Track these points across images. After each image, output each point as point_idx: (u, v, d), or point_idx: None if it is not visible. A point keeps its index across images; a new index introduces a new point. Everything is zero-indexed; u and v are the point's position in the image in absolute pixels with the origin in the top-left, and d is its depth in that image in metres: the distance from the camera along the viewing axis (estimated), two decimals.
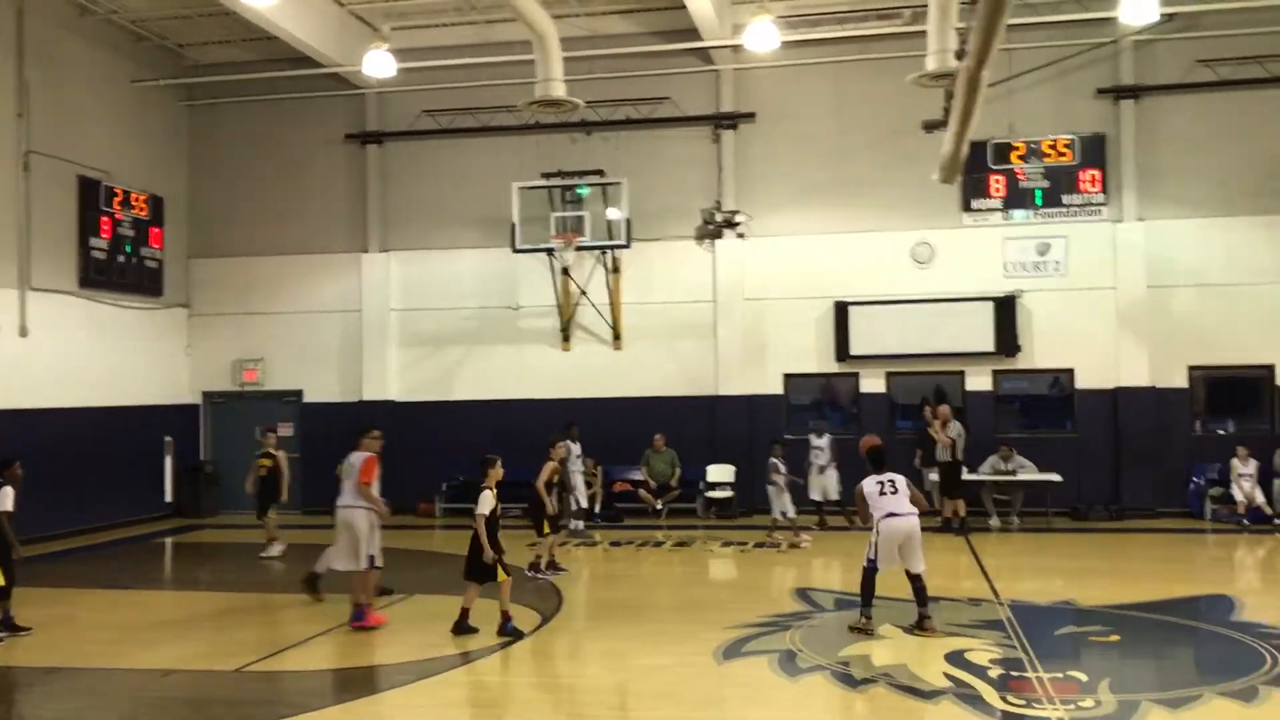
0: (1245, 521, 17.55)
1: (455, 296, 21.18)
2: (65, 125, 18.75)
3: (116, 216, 19.57)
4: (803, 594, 12.57)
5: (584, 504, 17.72)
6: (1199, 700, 8.23)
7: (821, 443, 17.89)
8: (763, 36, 16.39)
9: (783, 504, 16.40)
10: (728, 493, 19.52)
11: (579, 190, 19.52)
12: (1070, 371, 19.47)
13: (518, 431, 18.47)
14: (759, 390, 20.10)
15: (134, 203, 19.98)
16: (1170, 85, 19.02)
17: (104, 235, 19.28)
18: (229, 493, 20.45)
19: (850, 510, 17.26)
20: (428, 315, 21.35)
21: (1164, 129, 19.15)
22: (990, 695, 8.40)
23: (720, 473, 19.74)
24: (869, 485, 10.75)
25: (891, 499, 10.64)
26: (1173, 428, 19.02)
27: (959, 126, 13.07)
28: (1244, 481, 17.80)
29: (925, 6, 13.81)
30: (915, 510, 10.65)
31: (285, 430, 21.37)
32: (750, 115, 20.32)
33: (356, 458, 11.30)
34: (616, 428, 19.49)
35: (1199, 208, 19.01)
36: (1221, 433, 19.21)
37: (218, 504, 21.13)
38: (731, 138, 20.36)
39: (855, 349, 19.65)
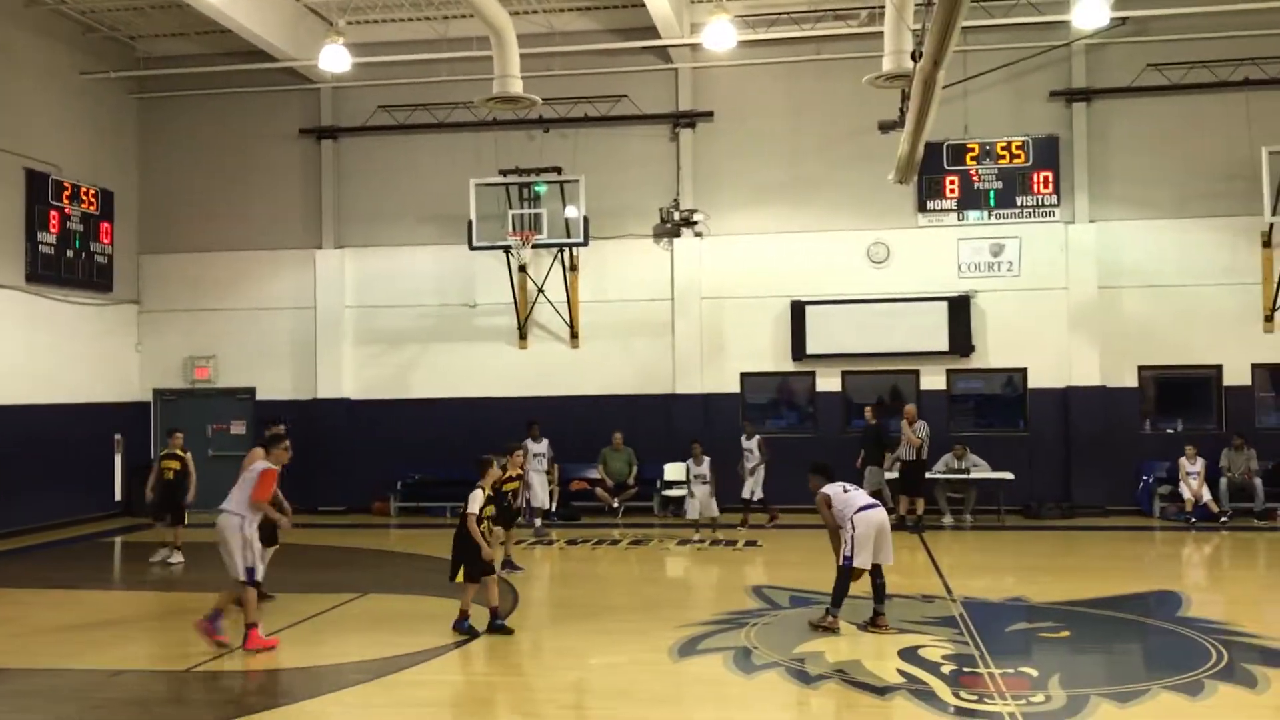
0: (1193, 519, 17.84)
1: (411, 294, 21.04)
2: (12, 117, 18.41)
3: (65, 211, 19.25)
4: (758, 591, 12.61)
5: (544, 504, 17.60)
6: (1147, 694, 8.35)
7: (750, 444, 17.69)
8: (720, 35, 16.41)
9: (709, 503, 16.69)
10: (684, 491, 19.50)
11: (536, 188, 19.46)
12: (1023, 371, 19.70)
13: (474, 430, 18.38)
14: (716, 389, 20.14)
15: (83, 197, 19.66)
16: (1121, 88, 19.30)
17: (52, 230, 18.95)
18: None
19: (775, 509, 17.42)
20: (383, 312, 21.18)
21: (1115, 131, 19.43)
22: (943, 691, 8.46)
23: (677, 471, 19.67)
24: (831, 490, 10.75)
25: (857, 494, 10.78)
26: (1122, 427, 19.29)
27: (914, 127, 13.18)
28: (1191, 480, 18.08)
29: (882, 8, 13.94)
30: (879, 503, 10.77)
31: (238, 428, 21.21)
32: (708, 114, 20.36)
33: (256, 468, 10.10)
34: (573, 426, 19.43)
35: (1149, 209, 19.29)
36: (1170, 432, 19.52)
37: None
38: (690, 136, 20.39)
39: (811, 348, 19.74)
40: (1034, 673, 9.00)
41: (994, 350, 19.60)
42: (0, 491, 17.01)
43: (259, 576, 10.07)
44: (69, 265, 19.41)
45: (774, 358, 20.14)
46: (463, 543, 10.44)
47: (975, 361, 19.62)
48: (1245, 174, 18.38)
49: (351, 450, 20.59)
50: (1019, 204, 19.24)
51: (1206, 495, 17.96)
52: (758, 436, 17.72)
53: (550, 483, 18.48)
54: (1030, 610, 11.71)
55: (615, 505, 19.18)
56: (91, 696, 8.84)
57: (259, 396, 21.37)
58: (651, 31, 19.04)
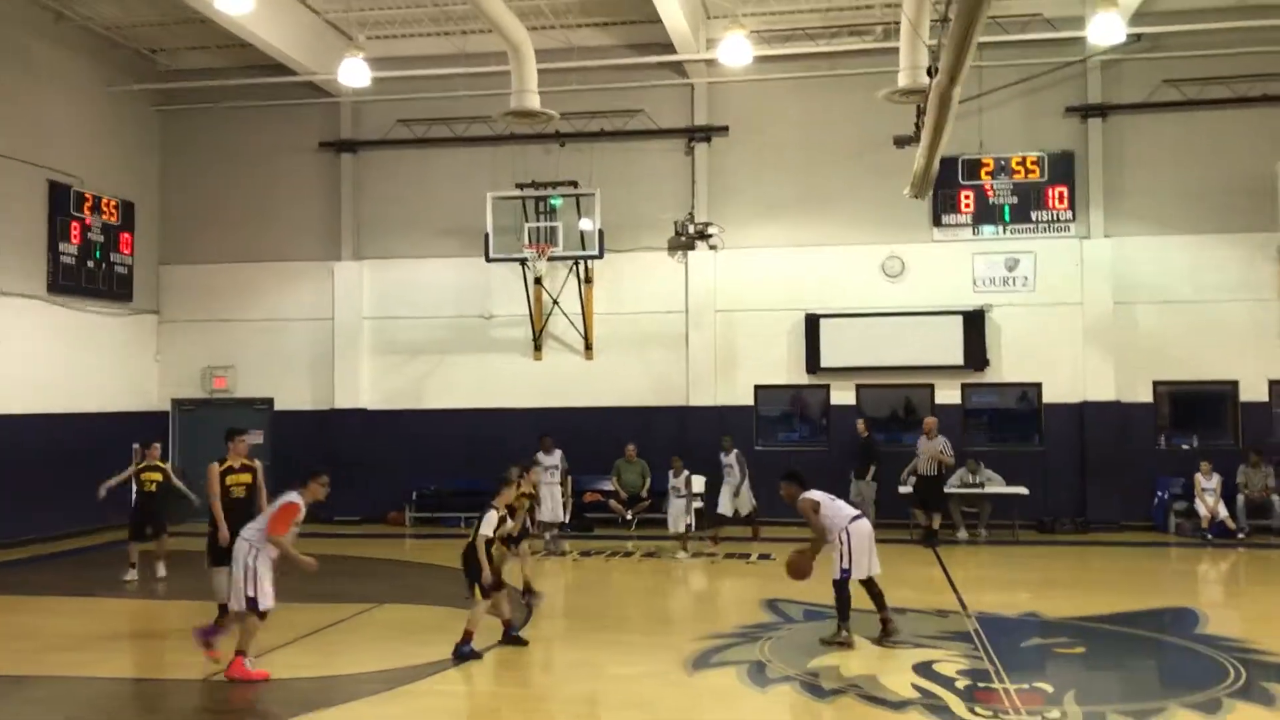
0: (1209, 535, 17.76)
1: (428, 305, 21.16)
2: (36, 129, 18.64)
3: (86, 222, 19.45)
4: (772, 605, 12.61)
5: (556, 517, 17.47)
6: (1163, 713, 8.34)
7: (730, 459, 17.28)
8: (736, 51, 16.48)
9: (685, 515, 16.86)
10: (697, 504, 19.51)
11: (552, 201, 19.56)
12: (1038, 385, 19.68)
13: (489, 440, 18.47)
14: (730, 401, 20.18)
15: (104, 208, 19.86)
16: (1137, 104, 19.31)
17: (74, 240, 19.16)
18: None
19: (759, 523, 17.09)
20: (400, 324, 21.31)
21: (1130, 147, 19.44)
22: (957, 706, 8.48)
23: (696, 485, 19.72)
24: (819, 496, 10.75)
25: (843, 504, 10.86)
26: (1138, 442, 19.24)
27: (930, 142, 13.24)
28: (1207, 496, 18.02)
29: (897, 24, 14.00)
30: None
31: (255, 438, 21.26)
32: (724, 129, 20.45)
33: (280, 499, 9.69)
34: (587, 437, 19.46)
35: (1165, 225, 19.28)
36: (1186, 447, 19.44)
37: (186, 512, 20.88)
38: (705, 150, 20.48)
39: (826, 361, 19.77)
40: (1049, 688, 9.00)
41: (1009, 364, 19.59)
42: (21, 500, 17.12)
43: (262, 606, 9.42)
44: (89, 275, 19.60)
45: (788, 371, 20.17)
46: (474, 560, 10.26)
47: (990, 376, 19.61)
48: (1261, 189, 18.35)
49: (367, 460, 20.68)
50: (1034, 219, 19.27)
51: (1223, 512, 17.87)
52: (735, 450, 17.26)
53: (564, 494, 18.47)
54: (1045, 625, 11.70)
55: (629, 517, 19.18)
56: (109, 705, 8.93)
57: (277, 407, 21.53)
58: (668, 47, 19.15)
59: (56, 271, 18.84)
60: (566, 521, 18.28)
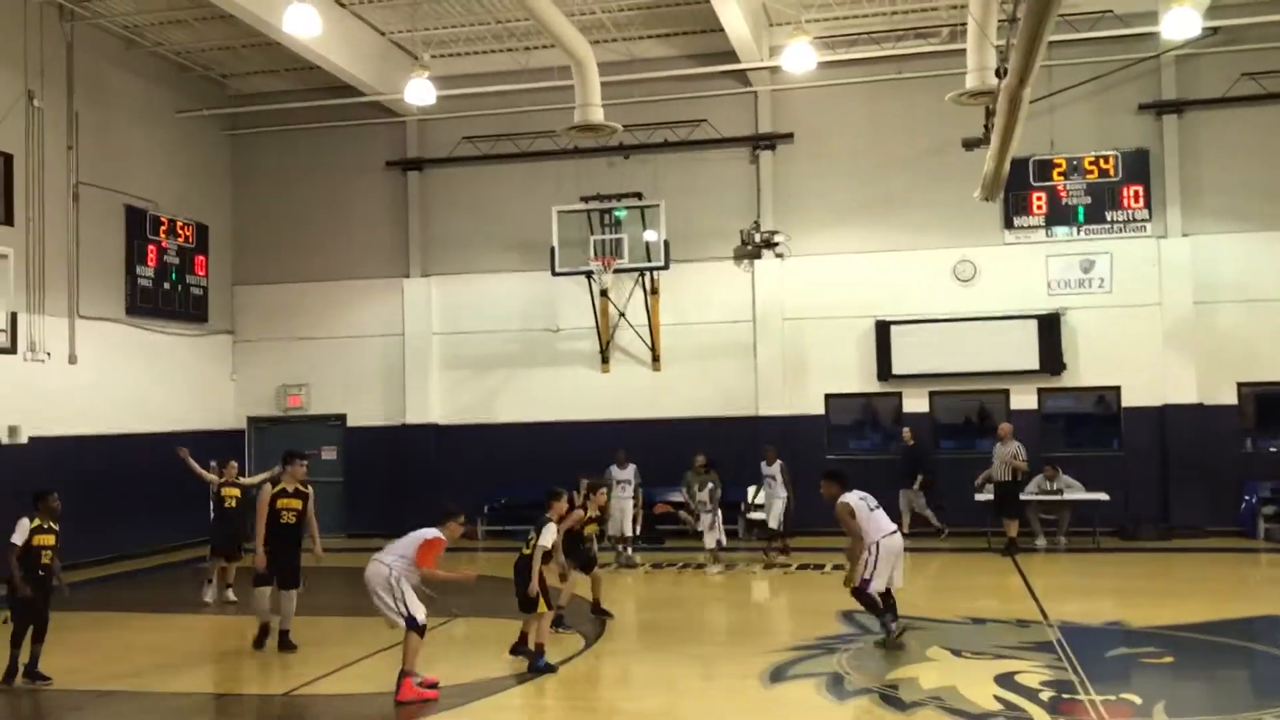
0: None
1: (496, 320, 21.30)
2: (113, 156, 19.10)
3: (162, 245, 19.88)
4: (848, 616, 12.42)
5: (627, 531, 17.40)
6: None
7: (773, 470, 17.08)
8: (800, 58, 16.34)
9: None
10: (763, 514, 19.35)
11: (617, 213, 19.60)
12: (1116, 389, 19.25)
13: (559, 453, 18.48)
14: (800, 410, 20.01)
15: (179, 231, 20.30)
16: (1214, 99, 18.82)
17: (150, 263, 19.59)
18: None
19: (786, 536, 16.86)
20: (469, 339, 21.47)
21: (1208, 143, 18.95)
22: (1041, 717, 8.28)
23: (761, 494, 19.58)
24: (854, 500, 10.80)
25: (881, 516, 10.91)
26: (1222, 445, 18.69)
27: (1000, 144, 13.02)
28: None
29: (963, 25, 13.82)
30: None
31: (329, 454, 21.61)
32: (788, 136, 20.34)
33: (422, 533, 9.77)
34: (656, 449, 19.37)
35: (1244, 222, 18.76)
36: (1274, 450, 18.87)
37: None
38: (769, 158, 20.37)
39: (897, 368, 19.53)
40: (1137, 700, 8.76)
41: (1085, 368, 19.19)
42: (103, 518, 17.47)
43: (421, 621, 9.42)
44: (166, 297, 20.02)
45: (859, 378, 19.95)
46: (525, 571, 10.21)
47: (1066, 380, 19.23)
48: None
49: (439, 474, 20.84)
50: (1109, 219, 18.88)
51: None
52: (779, 462, 17.07)
53: (635, 507, 18.40)
54: (1130, 635, 11.38)
55: (700, 529, 19.03)
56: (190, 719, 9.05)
57: (349, 423, 21.80)
58: (730, 56, 19.09)
59: (134, 294, 19.29)
60: (637, 534, 18.24)
